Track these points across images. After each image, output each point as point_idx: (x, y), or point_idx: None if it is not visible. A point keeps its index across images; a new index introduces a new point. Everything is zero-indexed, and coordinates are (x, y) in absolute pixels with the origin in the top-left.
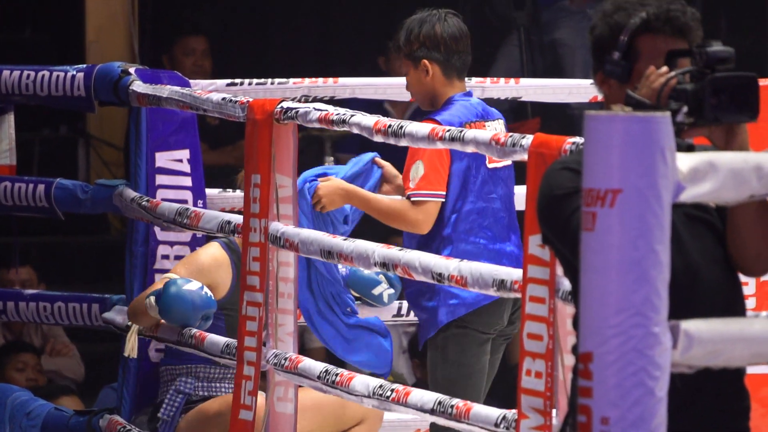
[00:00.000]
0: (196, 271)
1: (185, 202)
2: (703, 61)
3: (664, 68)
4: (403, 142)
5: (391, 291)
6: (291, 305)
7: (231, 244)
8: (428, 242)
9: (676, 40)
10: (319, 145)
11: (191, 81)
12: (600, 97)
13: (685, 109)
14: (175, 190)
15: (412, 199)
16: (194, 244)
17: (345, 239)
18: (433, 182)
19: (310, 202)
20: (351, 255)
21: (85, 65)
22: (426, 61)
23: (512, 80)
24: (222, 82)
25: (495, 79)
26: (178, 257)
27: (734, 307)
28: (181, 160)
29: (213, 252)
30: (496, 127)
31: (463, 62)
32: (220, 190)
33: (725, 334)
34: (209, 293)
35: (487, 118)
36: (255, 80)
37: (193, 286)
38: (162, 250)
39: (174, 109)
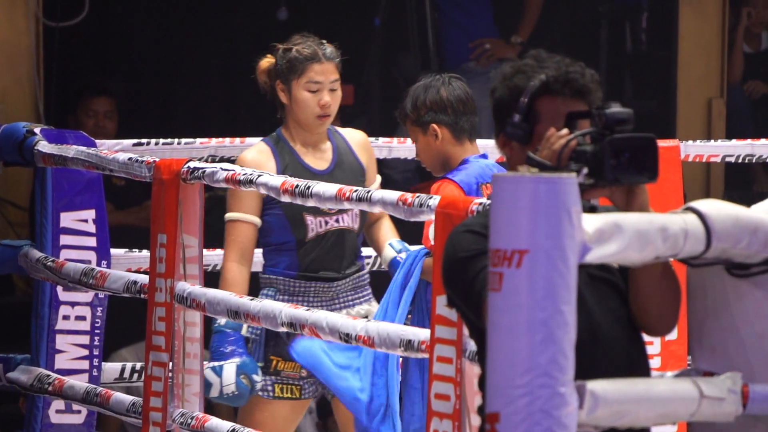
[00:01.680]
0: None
1: (89, 262)
2: (602, 123)
3: (565, 130)
4: (310, 203)
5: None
6: (197, 365)
7: (276, 137)
8: None
9: (576, 101)
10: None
11: (97, 141)
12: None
13: (585, 170)
14: (79, 250)
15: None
16: (96, 305)
17: (251, 299)
18: None
19: (413, 274)
20: (258, 315)
21: None
22: (435, 125)
23: None
24: (128, 142)
25: (402, 139)
26: (79, 317)
27: (638, 367)
28: (86, 221)
29: (257, 149)
30: None
31: (471, 123)
32: (126, 250)
33: (631, 395)
34: (242, 384)
35: None
36: (162, 140)
37: (228, 379)
38: (63, 310)
39: (80, 170)
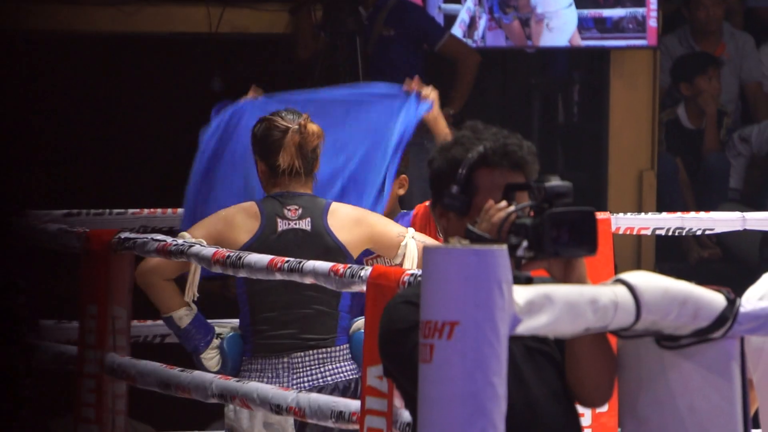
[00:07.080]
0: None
1: None
2: (541, 196)
3: (503, 203)
4: (241, 273)
5: None
6: None
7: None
8: None
9: (514, 173)
10: None
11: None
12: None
13: (525, 243)
14: None
15: None
16: None
17: (182, 371)
18: None
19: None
20: (189, 387)
21: None
22: None
23: None
24: (59, 213)
25: None
26: None
27: None
28: None
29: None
30: None
31: None
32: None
33: None
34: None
35: None
36: (92, 210)
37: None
38: None
39: None
